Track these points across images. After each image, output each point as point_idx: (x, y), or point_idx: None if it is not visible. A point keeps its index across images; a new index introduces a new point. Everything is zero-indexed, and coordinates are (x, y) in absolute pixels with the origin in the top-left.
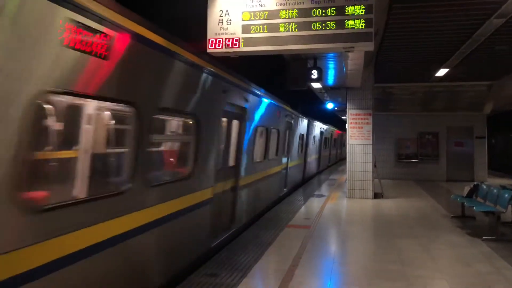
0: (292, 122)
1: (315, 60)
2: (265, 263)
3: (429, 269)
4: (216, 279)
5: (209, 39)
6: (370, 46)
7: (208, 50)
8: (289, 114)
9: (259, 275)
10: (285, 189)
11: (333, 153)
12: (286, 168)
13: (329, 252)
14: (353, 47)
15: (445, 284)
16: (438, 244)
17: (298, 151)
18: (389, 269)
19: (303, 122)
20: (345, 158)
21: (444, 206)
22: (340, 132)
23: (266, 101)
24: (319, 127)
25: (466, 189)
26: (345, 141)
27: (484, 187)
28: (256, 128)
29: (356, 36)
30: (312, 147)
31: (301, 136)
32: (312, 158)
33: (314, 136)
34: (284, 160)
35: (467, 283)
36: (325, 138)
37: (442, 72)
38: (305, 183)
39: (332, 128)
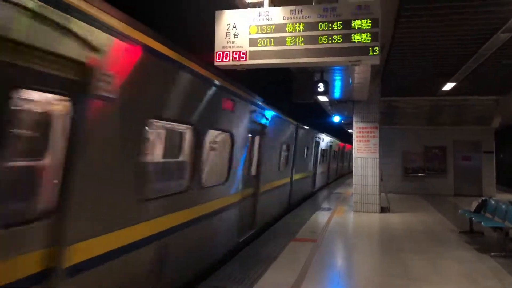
0: (300, 136)
1: (321, 73)
2: (272, 276)
3: (436, 284)
4: None
5: (216, 52)
6: (376, 60)
7: (216, 63)
8: (298, 129)
9: None
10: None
11: (333, 168)
12: (291, 180)
13: (335, 266)
14: (360, 61)
15: None
16: (445, 259)
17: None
18: (395, 283)
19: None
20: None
21: (452, 221)
22: (342, 144)
23: (279, 118)
24: (319, 139)
25: (474, 204)
26: (349, 153)
27: (493, 202)
28: (272, 142)
29: (362, 50)
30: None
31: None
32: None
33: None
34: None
35: None
36: (323, 150)
37: (448, 86)
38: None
39: (334, 140)
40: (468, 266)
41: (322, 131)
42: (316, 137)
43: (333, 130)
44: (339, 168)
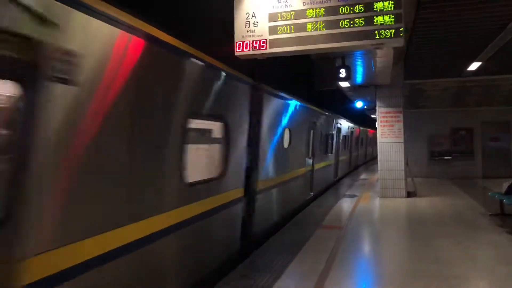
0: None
1: (343, 58)
2: (299, 265)
3: (467, 269)
4: (250, 281)
5: (236, 42)
6: (400, 42)
7: (236, 53)
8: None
9: (293, 277)
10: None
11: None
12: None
13: (363, 253)
14: (383, 44)
15: (484, 284)
16: (476, 243)
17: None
18: (425, 268)
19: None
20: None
21: (481, 203)
22: (359, 130)
23: (323, 114)
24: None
25: (505, 185)
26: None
27: None
28: (320, 134)
29: (385, 32)
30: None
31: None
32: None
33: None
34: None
35: (509, 284)
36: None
37: (474, 66)
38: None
39: (356, 126)
40: (501, 249)
41: (344, 117)
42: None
43: (355, 116)
44: (362, 155)
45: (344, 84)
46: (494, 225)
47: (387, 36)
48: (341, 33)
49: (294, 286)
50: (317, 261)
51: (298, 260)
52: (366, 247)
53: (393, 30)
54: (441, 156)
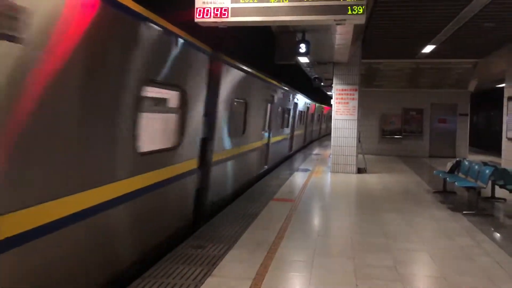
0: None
1: (303, 33)
2: (251, 235)
3: (412, 242)
4: (203, 251)
5: (196, 8)
6: (361, 19)
7: (196, 20)
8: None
9: (245, 247)
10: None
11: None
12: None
13: (314, 225)
14: (345, 20)
15: (427, 256)
16: (421, 218)
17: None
18: (373, 242)
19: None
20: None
21: (427, 181)
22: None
23: (281, 89)
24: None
25: (449, 165)
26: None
27: (466, 163)
28: (277, 108)
29: (347, 9)
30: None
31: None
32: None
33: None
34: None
35: (449, 256)
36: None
37: (428, 48)
38: None
39: (312, 102)
40: (443, 224)
41: (302, 93)
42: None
43: (312, 92)
44: (317, 131)
45: (303, 60)
46: (437, 201)
47: (349, 13)
48: (304, 6)
49: (246, 255)
50: (269, 232)
51: (251, 231)
52: (316, 220)
53: (356, 7)
54: (392, 134)
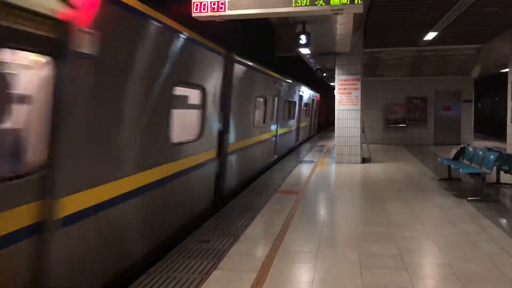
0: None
1: (304, 24)
2: (256, 228)
3: (416, 231)
4: (208, 245)
5: (193, 3)
6: (359, 8)
7: (193, 14)
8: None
9: (250, 240)
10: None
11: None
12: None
13: (318, 216)
14: (342, 9)
15: (432, 244)
16: (425, 206)
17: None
18: (377, 231)
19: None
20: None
21: (431, 169)
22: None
23: (287, 82)
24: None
25: (453, 152)
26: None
27: (470, 149)
28: (284, 101)
29: None
30: None
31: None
32: None
33: None
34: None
35: (454, 243)
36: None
37: (430, 35)
38: None
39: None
40: (447, 211)
41: (306, 85)
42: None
43: (316, 84)
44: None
45: (305, 51)
46: (441, 189)
47: (346, 2)
48: None
49: (251, 249)
50: (274, 225)
51: (256, 224)
52: (321, 211)
53: None
54: (396, 123)
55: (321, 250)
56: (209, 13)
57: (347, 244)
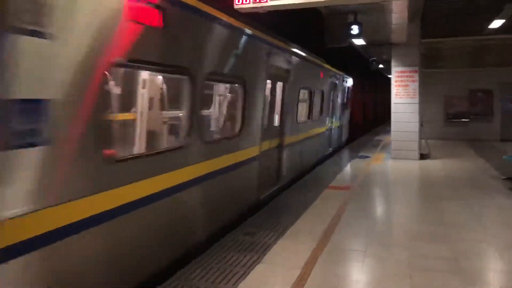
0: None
1: (355, 14)
2: (303, 223)
3: (475, 232)
4: (253, 238)
5: None
6: None
7: (235, 6)
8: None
9: (296, 235)
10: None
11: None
12: None
13: (370, 213)
14: None
15: (491, 248)
16: (486, 207)
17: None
18: (432, 231)
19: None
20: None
21: (496, 167)
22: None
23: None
24: None
25: None
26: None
27: None
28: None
29: None
30: None
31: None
32: None
33: None
34: None
35: None
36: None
37: (497, 23)
38: None
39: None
40: (510, 213)
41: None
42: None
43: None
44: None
45: (358, 42)
46: (506, 188)
47: None
48: None
49: (297, 244)
50: (322, 221)
51: (303, 219)
52: (372, 208)
53: None
54: (457, 118)
55: (370, 249)
56: (251, 5)
57: (398, 243)
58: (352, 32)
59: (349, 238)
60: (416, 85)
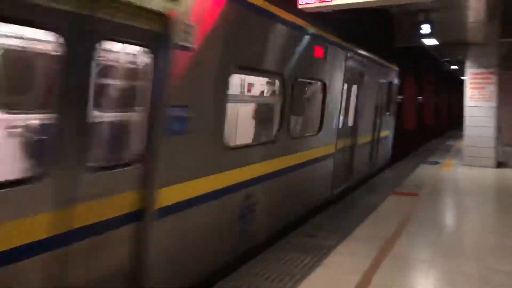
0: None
1: (426, 12)
2: (366, 228)
3: None
4: (315, 240)
5: None
6: None
7: (299, 6)
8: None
9: (359, 240)
10: None
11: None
12: None
13: (437, 222)
14: None
15: None
16: None
17: None
18: (506, 245)
19: None
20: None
21: None
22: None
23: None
24: None
25: None
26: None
27: None
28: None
29: None
30: None
31: None
32: None
33: None
34: None
35: None
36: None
37: None
38: None
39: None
40: None
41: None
42: None
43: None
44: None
45: (429, 42)
46: None
47: None
48: None
49: (359, 249)
50: (386, 227)
51: (367, 223)
52: (441, 217)
53: None
54: None
55: (436, 260)
56: (316, 4)
57: (468, 256)
58: (422, 31)
59: (414, 247)
60: (493, 87)
